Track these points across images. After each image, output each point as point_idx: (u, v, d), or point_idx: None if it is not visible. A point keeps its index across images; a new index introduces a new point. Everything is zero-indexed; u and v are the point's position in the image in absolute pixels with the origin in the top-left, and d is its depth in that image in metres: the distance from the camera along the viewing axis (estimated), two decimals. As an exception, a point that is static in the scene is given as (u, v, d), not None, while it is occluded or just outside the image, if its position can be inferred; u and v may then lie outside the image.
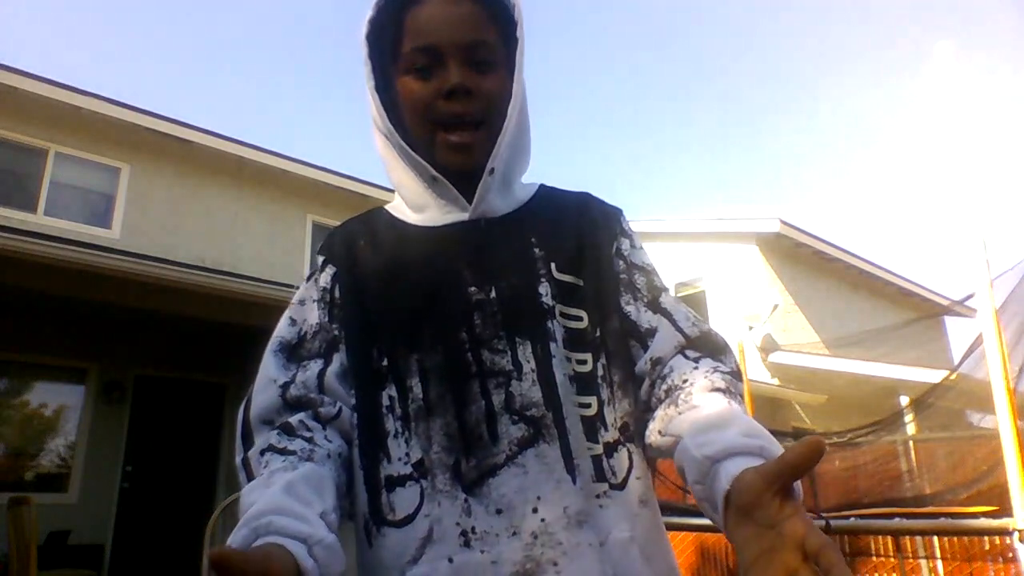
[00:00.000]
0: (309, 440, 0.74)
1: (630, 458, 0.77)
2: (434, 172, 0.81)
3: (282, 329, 0.83)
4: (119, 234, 7.82)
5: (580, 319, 0.80)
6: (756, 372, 9.40)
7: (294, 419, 0.75)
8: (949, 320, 12.61)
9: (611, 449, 0.76)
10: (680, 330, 0.79)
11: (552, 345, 0.76)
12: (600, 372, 0.79)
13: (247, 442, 0.75)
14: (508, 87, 0.83)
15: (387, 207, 0.91)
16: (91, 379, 6.93)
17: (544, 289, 0.79)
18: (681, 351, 0.78)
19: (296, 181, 9.34)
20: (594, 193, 0.95)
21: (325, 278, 0.85)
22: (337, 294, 0.83)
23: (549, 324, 0.77)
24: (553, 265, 0.81)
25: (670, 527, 0.85)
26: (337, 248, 0.87)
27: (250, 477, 0.71)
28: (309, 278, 0.87)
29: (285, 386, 0.77)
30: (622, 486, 0.74)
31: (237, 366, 7.42)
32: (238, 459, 0.75)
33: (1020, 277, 3.66)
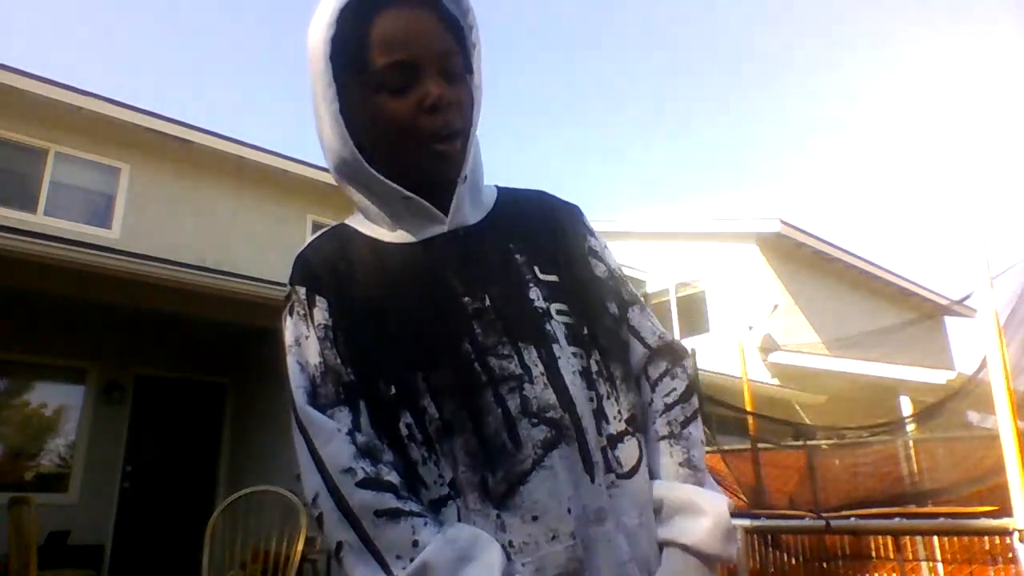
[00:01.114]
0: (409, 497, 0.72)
1: (640, 447, 0.79)
2: (406, 192, 0.80)
3: (296, 378, 0.77)
4: (119, 234, 7.82)
5: (569, 316, 0.81)
6: (756, 372, 9.38)
7: (385, 475, 0.71)
8: (949, 320, 12.62)
9: (616, 440, 0.77)
10: (647, 345, 0.86)
11: (555, 346, 0.77)
12: (595, 368, 0.80)
13: (346, 511, 0.70)
14: (471, 95, 0.83)
15: (352, 223, 0.87)
16: (91, 379, 6.94)
17: (535, 293, 0.80)
18: (646, 364, 0.85)
19: (296, 181, 9.34)
20: (548, 191, 0.95)
21: (321, 314, 0.79)
22: (340, 331, 0.78)
23: (548, 326, 0.78)
24: (536, 268, 0.82)
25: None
26: (321, 276, 0.81)
27: (366, 543, 0.68)
28: (291, 312, 0.81)
29: (351, 433, 0.72)
30: (630, 474, 0.76)
31: (237, 366, 7.43)
32: (349, 537, 0.69)
33: (1023, 279, 3.64)
